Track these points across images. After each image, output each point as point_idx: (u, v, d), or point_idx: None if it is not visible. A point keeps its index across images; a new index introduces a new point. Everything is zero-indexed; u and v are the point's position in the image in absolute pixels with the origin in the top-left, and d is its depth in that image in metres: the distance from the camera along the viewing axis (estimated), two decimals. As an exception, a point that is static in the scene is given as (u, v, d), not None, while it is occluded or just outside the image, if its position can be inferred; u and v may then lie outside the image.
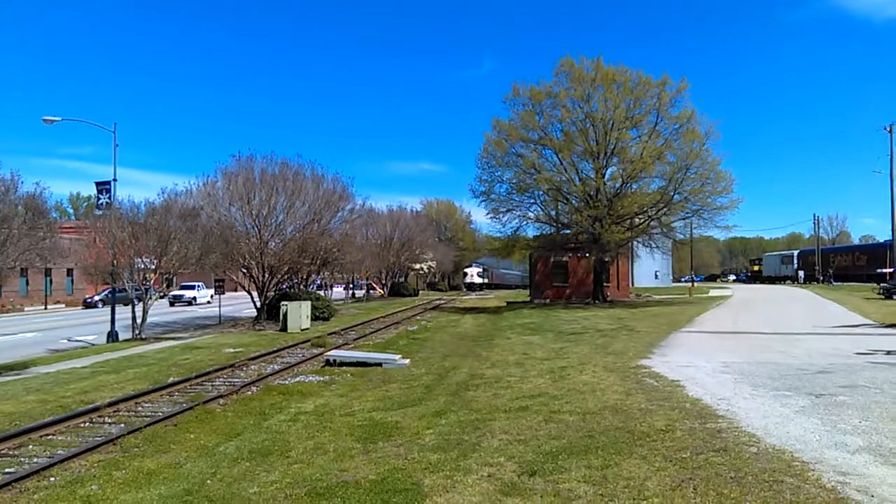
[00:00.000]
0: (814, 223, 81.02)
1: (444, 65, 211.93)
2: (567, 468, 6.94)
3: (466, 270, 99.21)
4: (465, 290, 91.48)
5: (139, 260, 26.70)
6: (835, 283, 64.76)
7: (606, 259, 43.10)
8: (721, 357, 14.98)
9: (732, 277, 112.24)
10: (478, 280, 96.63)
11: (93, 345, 25.78)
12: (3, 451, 9.61)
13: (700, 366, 13.70)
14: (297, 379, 16.05)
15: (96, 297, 53.96)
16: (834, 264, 72.51)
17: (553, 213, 43.55)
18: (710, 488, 5.99)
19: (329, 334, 26.26)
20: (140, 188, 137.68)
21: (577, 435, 8.35)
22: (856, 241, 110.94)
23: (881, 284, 44.54)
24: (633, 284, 56.33)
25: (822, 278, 69.77)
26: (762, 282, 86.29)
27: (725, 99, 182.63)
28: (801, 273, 75.42)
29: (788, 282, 77.22)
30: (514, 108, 41.86)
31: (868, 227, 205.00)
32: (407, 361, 18.02)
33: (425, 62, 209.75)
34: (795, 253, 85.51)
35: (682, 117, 38.87)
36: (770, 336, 19.75)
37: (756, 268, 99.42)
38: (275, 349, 21.63)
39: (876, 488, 5.81)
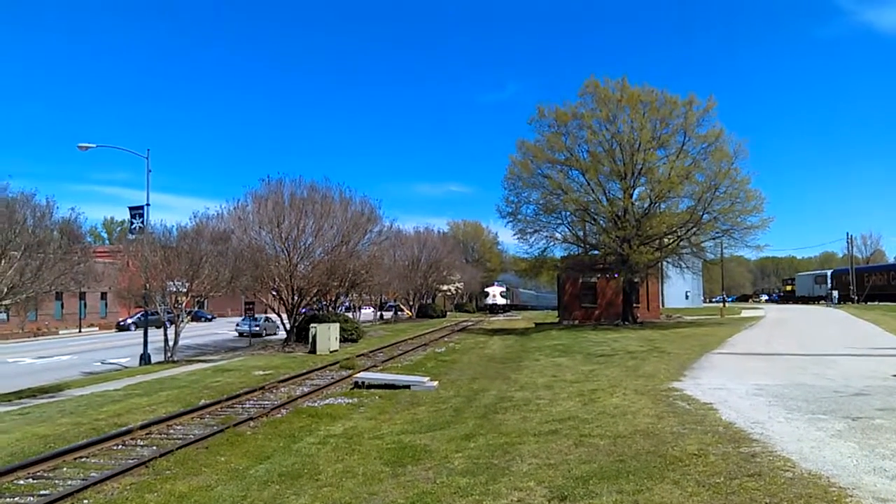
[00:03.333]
0: (847, 242, 79.48)
1: (468, 87, 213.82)
2: (598, 493, 6.85)
3: (488, 290, 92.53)
4: (488, 312, 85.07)
5: (171, 283, 27.11)
6: (836, 304, 63.60)
7: (636, 280, 42.75)
8: (754, 379, 14.70)
9: (765, 298, 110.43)
10: (500, 301, 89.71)
11: (126, 367, 26.14)
12: (38, 474, 9.76)
13: (733, 388, 13.46)
14: (327, 401, 16.11)
15: (129, 321, 54.79)
16: (868, 284, 71.00)
17: (580, 233, 43.37)
18: (745, 514, 5.88)
19: (357, 356, 26.33)
20: (172, 212, 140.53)
21: (607, 459, 8.24)
22: (891, 260, 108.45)
23: None
24: (663, 305, 55.69)
25: (856, 298, 68.27)
26: (795, 302, 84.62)
27: (754, 116, 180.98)
28: (834, 293, 73.95)
29: (822, 302, 75.74)
30: (540, 130, 42.02)
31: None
32: (435, 384, 17.99)
33: (451, 85, 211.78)
34: (829, 272, 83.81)
35: (710, 136, 38.57)
36: (804, 357, 19.35)
37: (789, 288, 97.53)
38: (304, 371, 21.75)
39: (918, 516, 5.65)
